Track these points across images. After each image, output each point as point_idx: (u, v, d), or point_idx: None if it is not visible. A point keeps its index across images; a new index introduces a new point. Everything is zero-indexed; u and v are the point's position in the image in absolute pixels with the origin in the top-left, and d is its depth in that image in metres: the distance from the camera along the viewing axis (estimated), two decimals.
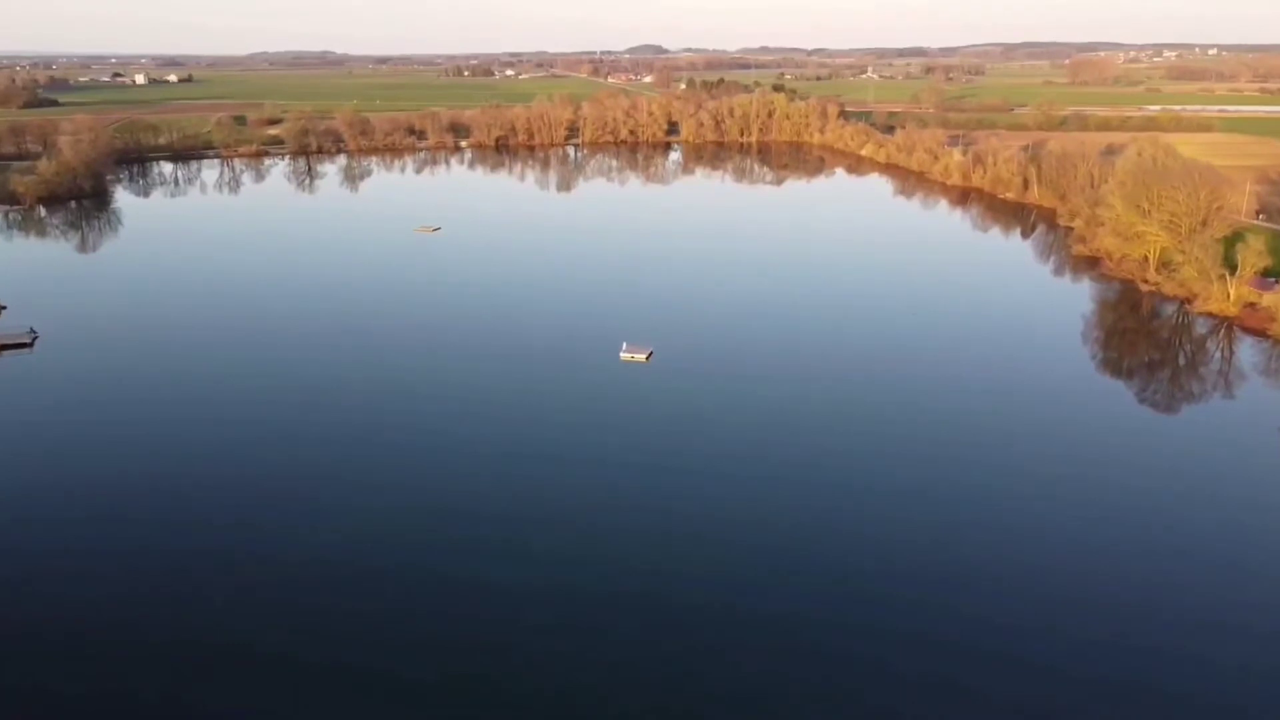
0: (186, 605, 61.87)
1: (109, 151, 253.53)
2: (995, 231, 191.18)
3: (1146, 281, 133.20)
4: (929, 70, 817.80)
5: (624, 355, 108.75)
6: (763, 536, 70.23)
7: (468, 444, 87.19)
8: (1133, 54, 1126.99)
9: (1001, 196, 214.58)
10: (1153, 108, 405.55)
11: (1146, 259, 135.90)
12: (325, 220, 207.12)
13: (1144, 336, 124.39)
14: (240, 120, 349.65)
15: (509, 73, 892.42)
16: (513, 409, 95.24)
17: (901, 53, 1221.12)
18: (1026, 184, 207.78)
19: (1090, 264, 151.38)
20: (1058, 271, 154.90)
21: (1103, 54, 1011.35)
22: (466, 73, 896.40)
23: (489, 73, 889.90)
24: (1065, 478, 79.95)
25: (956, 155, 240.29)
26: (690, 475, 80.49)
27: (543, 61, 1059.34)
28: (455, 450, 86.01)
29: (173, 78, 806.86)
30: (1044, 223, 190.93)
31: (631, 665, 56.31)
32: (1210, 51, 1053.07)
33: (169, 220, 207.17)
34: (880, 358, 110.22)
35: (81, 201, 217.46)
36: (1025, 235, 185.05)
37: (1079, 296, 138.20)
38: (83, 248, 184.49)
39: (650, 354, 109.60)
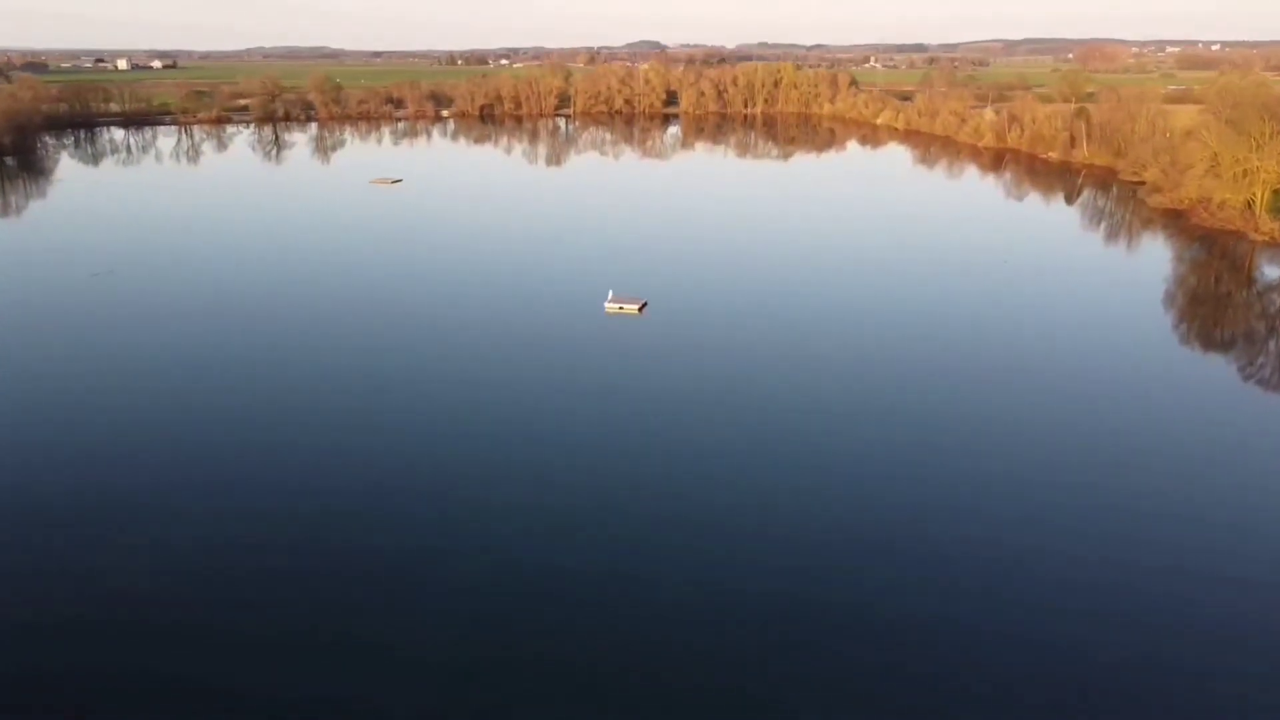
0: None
1: (44, 112, 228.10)
2: (1044, 192, 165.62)
3: (1259, 230, 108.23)
4: (932, 61, 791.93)
5: (609, 306, 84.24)
6: (770, 513, 50.19)
7: (431, 408, 64.81)
8: (1136, 49, 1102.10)
9: (1043, 157, 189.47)
10: (1178, 88, 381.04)
11: (1250, 205, 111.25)
12: (285, 184, 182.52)
13: (1252, 299, 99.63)
14: (204, 95, 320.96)
15: (504, 62, 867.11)
16: (484, 369, 72.02)
17: (902, 48, 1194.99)
18: (1074, 141, 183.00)
19: (1173, 217, 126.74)
20: (1130, 230, 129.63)
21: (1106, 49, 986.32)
22: (460, 62, 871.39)
23: (483, 62, 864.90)
24: (1149, 467, 56.41)
25: (989, 115, 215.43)
26: (702, 453, 57.00)
27: (539, 55, 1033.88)
28: (410, 417, 63.41)
29: (157, 64, 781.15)
30: (1096, 182, 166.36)
31: (621, 637, 40.83)
32: (1214, 47, 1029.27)
33: (106, 184, 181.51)
34: (922, 325, 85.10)
35: (2, 160, 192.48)
36: (1077, 196, 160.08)
37: (1160, 256, 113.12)
38: (2, 210, 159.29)
39: (644, 305, 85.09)
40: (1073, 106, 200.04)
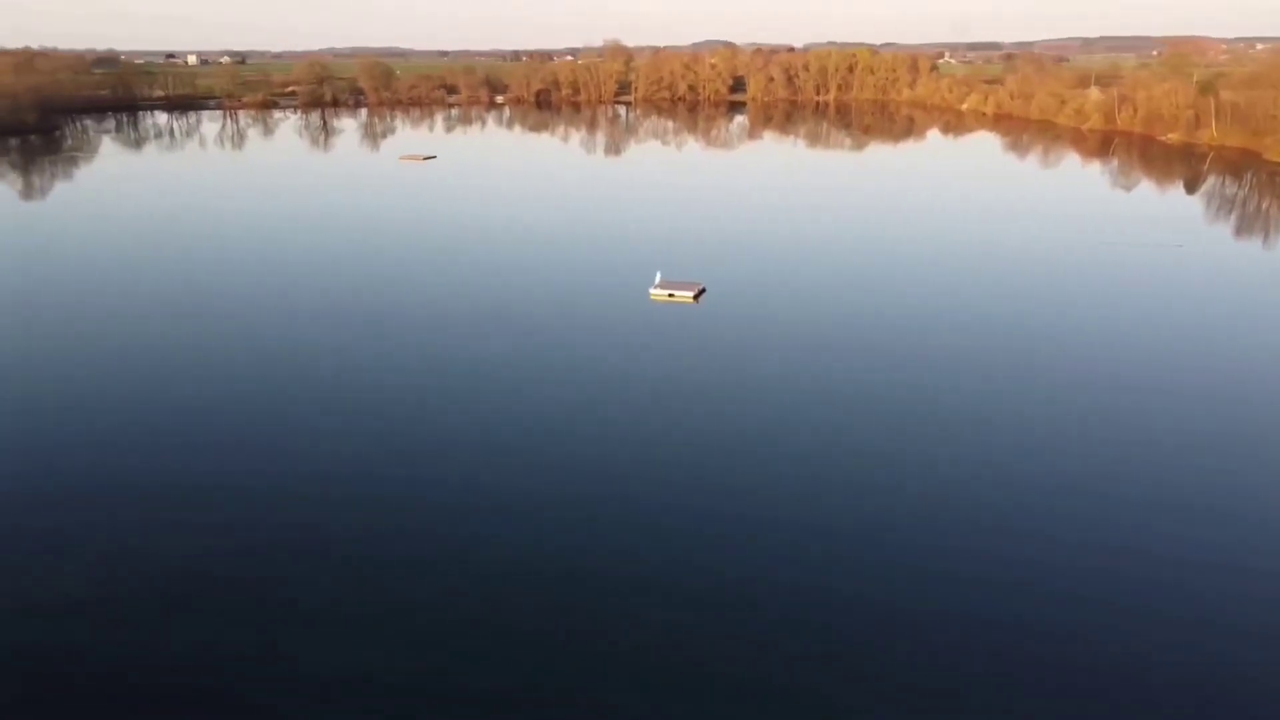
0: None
1: (85, 95, 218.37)
2: (1169, 181, 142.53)
3: None
4: (1009, 58, 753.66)
5: (655, 293, 66.95)
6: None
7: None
8: (1226, 45, 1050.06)
9: (1162, 140, 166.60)
10: None
11: None
12: (319, 163, 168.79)
13: None
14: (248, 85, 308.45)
15: (569, 58, 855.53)
16: (504, 358, 56.44)
17: (975, 46, 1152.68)
18: (1199, 120, 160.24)
19: None
20: None
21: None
22: (525, 58, 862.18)
23: (548, 59, 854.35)
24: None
25: (1094, 94, 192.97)
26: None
27: (605, 55, 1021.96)
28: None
29: (226, 59, 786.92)
30: (1229, 167, 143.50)
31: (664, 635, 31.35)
32: None
33: (139, 163, 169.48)
34: (1018, 326, 65.07)
35: (28, 139, 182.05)
36: (1201, 180, 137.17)
37: None
38: (27, 193, 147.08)
39: (700, 292, 67.62)
40: (1194, 82, 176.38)
